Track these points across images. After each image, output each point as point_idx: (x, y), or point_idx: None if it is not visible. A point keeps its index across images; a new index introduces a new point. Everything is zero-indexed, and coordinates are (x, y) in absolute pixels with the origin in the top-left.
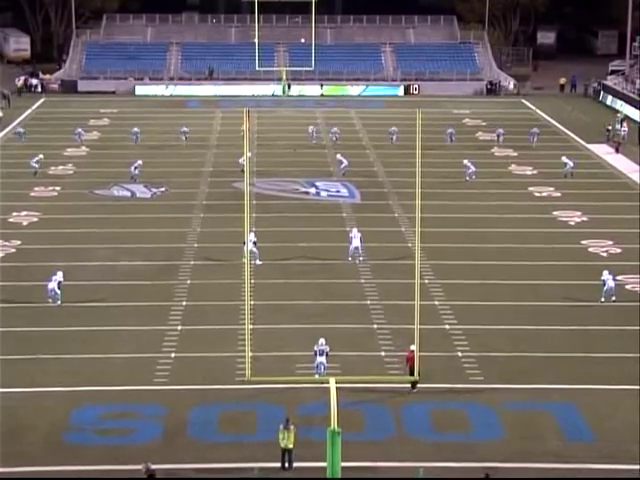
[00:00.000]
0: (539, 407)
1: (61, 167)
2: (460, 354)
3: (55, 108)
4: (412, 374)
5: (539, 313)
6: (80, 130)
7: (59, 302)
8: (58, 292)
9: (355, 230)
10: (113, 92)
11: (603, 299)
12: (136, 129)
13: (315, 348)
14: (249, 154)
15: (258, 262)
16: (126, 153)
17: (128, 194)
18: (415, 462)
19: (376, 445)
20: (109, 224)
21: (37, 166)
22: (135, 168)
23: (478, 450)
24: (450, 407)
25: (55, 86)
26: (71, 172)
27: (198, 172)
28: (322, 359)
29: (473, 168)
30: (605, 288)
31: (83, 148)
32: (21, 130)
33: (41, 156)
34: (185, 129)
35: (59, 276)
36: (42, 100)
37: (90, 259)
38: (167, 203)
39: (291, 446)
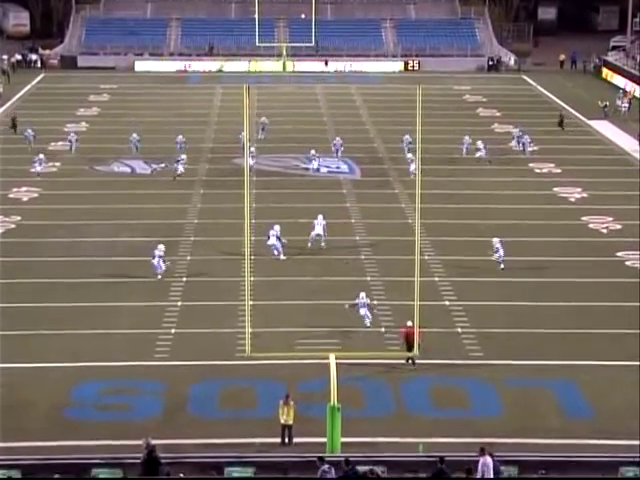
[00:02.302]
0: (538, 384)
1: (60, 143)
2: (460, 330)
3: (55, 84)
4: (410, 350)
5: (539, 289)
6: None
7: (161, 273)
8: (162, 265)
9: (320, 217)
10: (113, 68)
11: (502, 266)
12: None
13: (357, 301)
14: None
15: (282, 257)
16: (126, 129)
17: (128, 170)
18: (415, 438)
19: (376, 421)
20: (109, 200)
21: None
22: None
23: (477, 426)
24: (450, 383)
25: (55, 62)
26: (68, 149)
27: (198, 148)
28: (364, 311)
29: (484, 151)
30: (497, 255)
31: (83, 124)
32: (31, 132)
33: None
34: (181, 138)
35: (160, 250)
36: (42, 76)
37: (90, 235)
38: (167, 179)
39: (291, 422)
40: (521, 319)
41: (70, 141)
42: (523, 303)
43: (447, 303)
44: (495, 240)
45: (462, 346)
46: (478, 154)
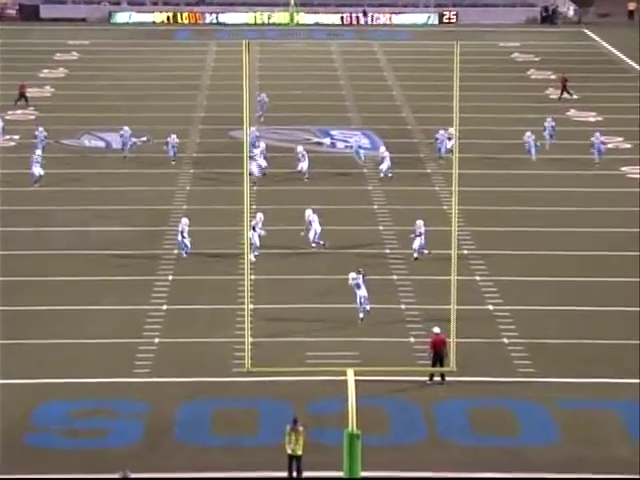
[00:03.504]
0: (601, 405)
1: (20, 111)
2: (506, 340)
3: (12, 39)
4: (440, 364)
5: (602, 291)
6: None
7: (186, 253)
8: (187, 243)
9: (310, 211)
10: (83, 19)
11: (416, 254)
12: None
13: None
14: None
15: (253, 255)
16: (100, 95)
17: (102, 144)
18: (449, 472)
19: (403, 450)
20: (79, 181)
21: None
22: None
23: (527, 457)
24: (493, 404)
25: (12, 12)
26: (32, 117)
27: (187, 118)
28: (360, 295)
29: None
30: (417, 245)
31: (47, 88)
32: None
33: None
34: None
35: (184, 223)
36: None
37: (57, 224)
38: (150, 156)
39: (300, 452)
40: (580, 327)
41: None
42: (581, 308)
43: (491, 307)
44: (419, 223)
45: (509, 359)
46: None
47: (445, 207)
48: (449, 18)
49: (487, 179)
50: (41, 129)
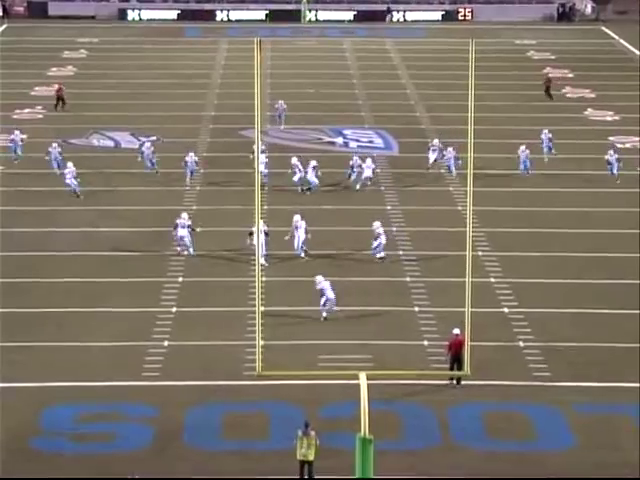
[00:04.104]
0: (618, 409)
1: (27, 110)
2: (521, 344)
3: (20, 36)
4: (458, 366)
5: (619, 294)
6: (17, 134)
7: (191, 250)
8: (188, 240)
9: (298, 217)
10: (93, 17)
11: (372, 252)
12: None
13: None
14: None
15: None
16: (109, 93)
17: (111, 144)
18: (464, 476)
19: (416, 455)
20: (87, 181)
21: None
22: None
23: (542, 462)
24: (508, 409)
25: (20, 9)
26: (40, 116)
27: (197, 117)
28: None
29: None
30: (376, 244)
31: (55, 86)
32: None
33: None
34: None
35: (184, 218)
36: (4, 27)
37: (64, 224)
38: (159, 155)
39: (311, 457)
40: (596, 330)
41: (13, 141)
42: (598, 310)
43: (506, 310)
44: (376, 224)
45: (524, 363)
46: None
47: (460, 208)
48: (464, 15)
49: (502, 179)
50: (55, 145)
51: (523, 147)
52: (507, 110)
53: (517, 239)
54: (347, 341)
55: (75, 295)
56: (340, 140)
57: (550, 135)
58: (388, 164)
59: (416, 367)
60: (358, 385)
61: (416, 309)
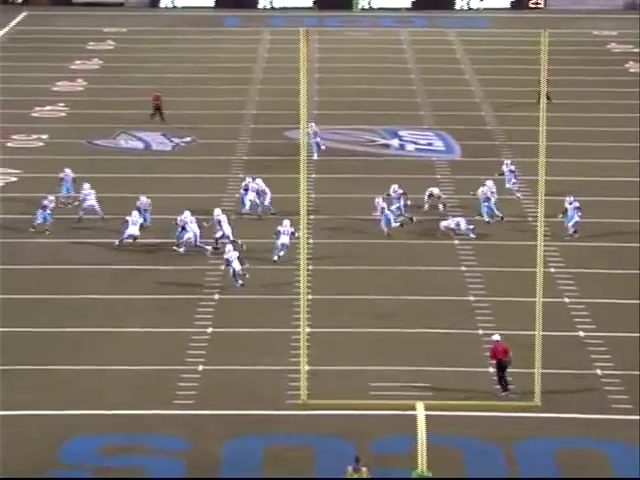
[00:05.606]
0: None
1: (49, 107)
2: (599, 372)
3: (40, 26)
4: (500, 372)
5: None
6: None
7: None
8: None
9: (287, 223)
10: (121, 4)
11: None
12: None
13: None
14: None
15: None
16: (139, 89)
17: (141, 145)
18: None
19: None
20: (113, 186)
21: None
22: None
23: None
24: (583, 445)
25: None
26: (63, 115)
27: (237, 116)
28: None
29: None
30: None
31: (79, 81)
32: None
33: None
34: None
35: (186, 215)
36: (23, 14)
37: (86, 234)
38: (194, 158)
39: None
40: None
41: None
42: None
43: (581, 334)
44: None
45: (602, 394)
46: None
47: (530, 218)
48: (536, 2)
49: (578, 186)
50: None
51: (508, 162)
52: (584, 109)
53: (595, 254)
54: (402, 367)
55: (97, 312)
56: (395, 142)
57: (512, 167)
58: (450, 170)
59: (479, 397)
60: (415, 416)
61: (480, 332)
